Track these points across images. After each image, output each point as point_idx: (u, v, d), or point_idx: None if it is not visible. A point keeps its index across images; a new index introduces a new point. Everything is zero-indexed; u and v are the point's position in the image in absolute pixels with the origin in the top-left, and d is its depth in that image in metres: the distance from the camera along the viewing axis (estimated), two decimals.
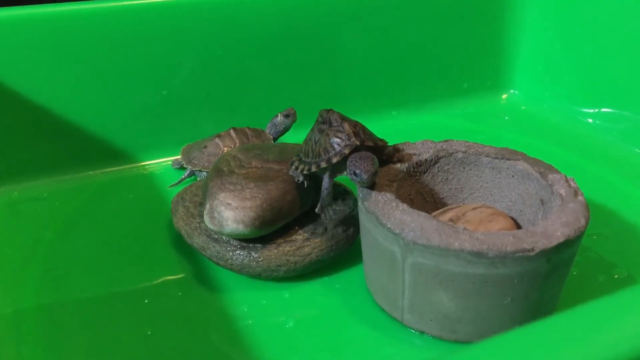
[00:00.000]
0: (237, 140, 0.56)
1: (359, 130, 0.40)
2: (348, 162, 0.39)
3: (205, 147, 0.56)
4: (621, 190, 0.56)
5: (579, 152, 0.62)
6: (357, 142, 0.39)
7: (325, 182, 0.42)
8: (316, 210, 0.42)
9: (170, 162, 0.59)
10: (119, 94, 0.57)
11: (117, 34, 0.56)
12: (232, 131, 0.57)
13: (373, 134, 0.42)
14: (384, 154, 0.43)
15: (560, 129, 0.67)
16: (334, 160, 0.39)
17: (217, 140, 0.56)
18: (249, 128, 0.57)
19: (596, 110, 0.66)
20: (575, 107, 0.68)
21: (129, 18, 0.56)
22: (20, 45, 0.53)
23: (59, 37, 0.54)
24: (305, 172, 0.42)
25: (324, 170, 0.41)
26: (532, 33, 0.72)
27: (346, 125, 0.40)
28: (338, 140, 0.40)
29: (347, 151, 0.39)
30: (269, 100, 0.63)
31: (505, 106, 0.73)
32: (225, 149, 0.55)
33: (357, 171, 0.38)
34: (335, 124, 0.40)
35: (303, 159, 0.42)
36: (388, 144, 0.43)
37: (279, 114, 0.58)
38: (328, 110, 0.42)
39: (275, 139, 0.58)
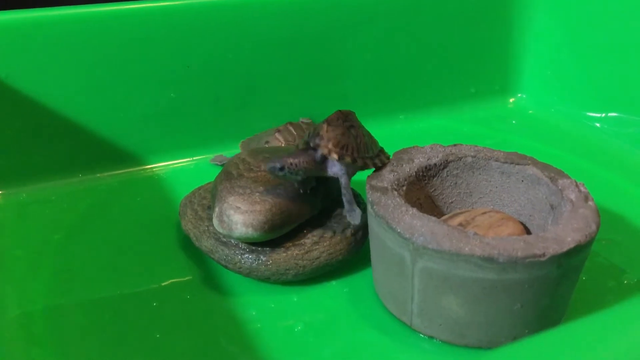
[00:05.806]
0: (295, 134, 0.56)
1: (331, 134, 0.40)
2: None
3: (267, 142, 0.56)
4: (630, 195, 0.55)
5: (587, 156, 0.62)
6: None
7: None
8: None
9: (186, 163, 0.59)
10: (128, 96, 0.58)
11: (126, 36, 0.56)
12: (289, 125, 0.57)
13: (366, 148, 0.42)
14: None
15: (568, 133, 0.67)
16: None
17: (277, 135, 0.56)
18: (302, 122, 0.58)
19: (604, 114, 0.66)
20: (583, 111, 0.68)
21: (138, 21, 0.56)
22: (29, 48, 0.53)
23: (66, 40, 0.54)
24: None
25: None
26: (540, 37, 0.72)
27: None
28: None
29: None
30: (278, 104, 0.63)
31: (513, 110, 0.73)
32: (285, 143, 0.55)
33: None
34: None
35: None
36: (370, 163, 0.42)
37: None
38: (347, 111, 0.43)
39: None
